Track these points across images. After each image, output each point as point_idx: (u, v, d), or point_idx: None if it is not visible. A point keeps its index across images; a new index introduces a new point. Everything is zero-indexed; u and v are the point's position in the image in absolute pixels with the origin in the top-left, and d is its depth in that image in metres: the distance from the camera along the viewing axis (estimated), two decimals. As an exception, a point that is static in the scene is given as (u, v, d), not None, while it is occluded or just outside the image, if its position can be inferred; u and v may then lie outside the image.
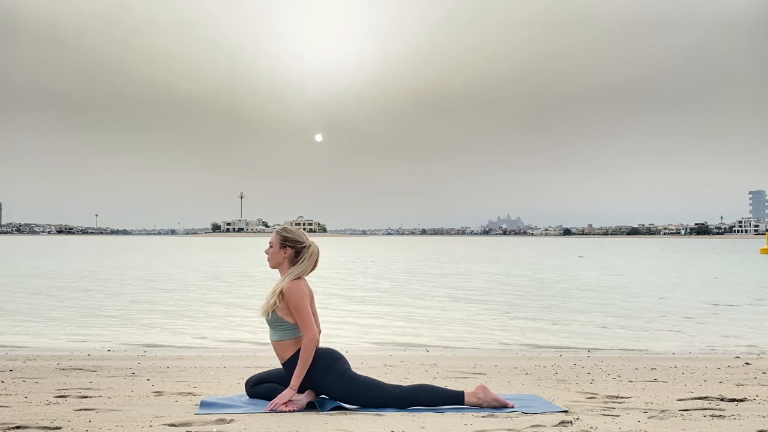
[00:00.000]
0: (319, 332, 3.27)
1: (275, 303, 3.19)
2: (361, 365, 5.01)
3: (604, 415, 3.00)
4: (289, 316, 3.19)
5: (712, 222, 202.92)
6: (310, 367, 3.14)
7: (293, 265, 3.32)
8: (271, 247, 3.35)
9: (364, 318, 9.90)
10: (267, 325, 3.29)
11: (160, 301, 12.13)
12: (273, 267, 3.35)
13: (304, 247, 3.33)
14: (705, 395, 3.65)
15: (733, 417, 2.94)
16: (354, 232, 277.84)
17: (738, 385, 4.16)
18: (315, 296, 3.40)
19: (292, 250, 3.32)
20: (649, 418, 2.92)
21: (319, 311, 3.49)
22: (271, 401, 3.13)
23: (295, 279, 3.24)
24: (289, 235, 3.34)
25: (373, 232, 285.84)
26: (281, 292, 3.19)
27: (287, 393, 3.10)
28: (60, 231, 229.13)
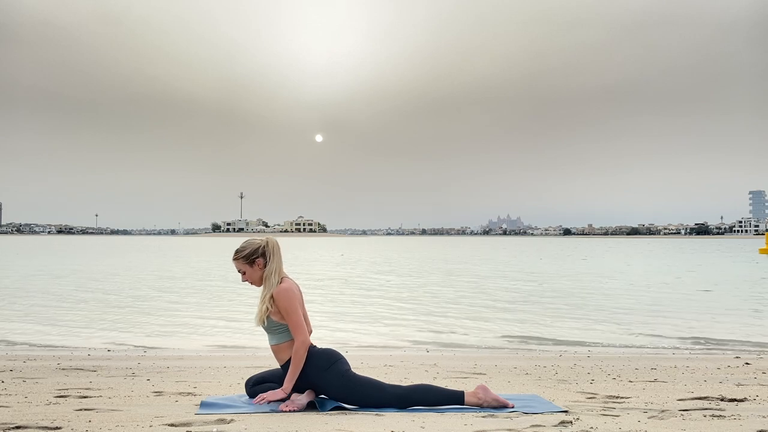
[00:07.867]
0: (310, 332, 3.30)
1: (268, 309, 3.20)
2: (361, 365, 5.02)
3: (604, 415, 3.00)
4: (284, 318, 3.21)
5: (712, 222, 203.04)
6: (309, 367, 3.15)
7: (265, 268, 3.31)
8: (244, 273, 3.32)
9: (363, 318, 9.89)
10: (265, 332, 3.31)
11: (160, 302, 12.12)
12: (259, 285, 3.33)
13: (264, 247, 3.31)
14: (705, 395, 3.65)
15: (733, 417, 2.93)
16: (354, 232, 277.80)
17: (738, 385, 4.16)
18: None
19: (260, 258, 3.29)
20: (649, 418, 2.92)
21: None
22: (259, 395, 3.18)
23: (282, 281, 3.24)
24: (247, 250, 3.29)
25: (373, 232, 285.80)
26: (272, 297, 3.20)
27: (278, 393, 3.14)
28: (60, 231, 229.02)
